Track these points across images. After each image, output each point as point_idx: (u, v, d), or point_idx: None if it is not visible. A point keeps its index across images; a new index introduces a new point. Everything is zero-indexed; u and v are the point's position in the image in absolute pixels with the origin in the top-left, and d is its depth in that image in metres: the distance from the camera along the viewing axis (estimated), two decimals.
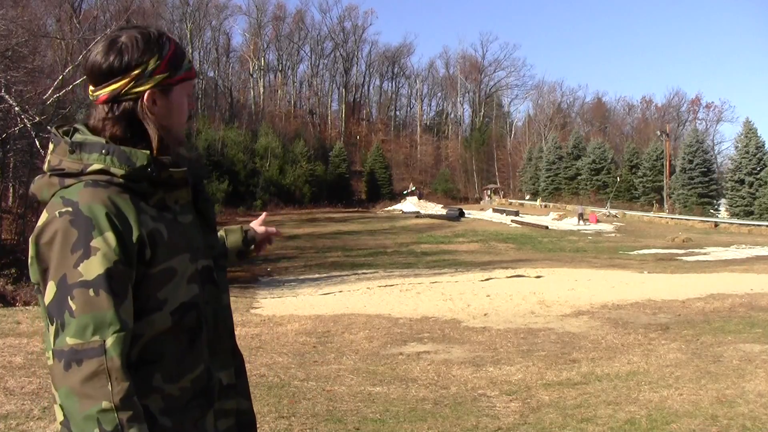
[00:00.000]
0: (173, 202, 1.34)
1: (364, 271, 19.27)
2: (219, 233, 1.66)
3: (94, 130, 1.32)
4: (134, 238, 1.22)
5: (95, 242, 1.18)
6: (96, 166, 1.24)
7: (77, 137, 1.29)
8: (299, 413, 4.60)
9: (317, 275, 18.01)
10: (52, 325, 1.18)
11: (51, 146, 1.31)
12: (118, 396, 1.14)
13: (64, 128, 1.33)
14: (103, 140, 1.28)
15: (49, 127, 15.95)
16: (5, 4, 16.28)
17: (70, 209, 1.20)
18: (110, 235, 1.19)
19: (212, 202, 1.51)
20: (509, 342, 7.85)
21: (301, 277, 17.94)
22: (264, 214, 1.96)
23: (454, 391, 5.51)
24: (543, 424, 4.45)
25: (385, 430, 4.38)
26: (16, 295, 11.15)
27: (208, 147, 52.69)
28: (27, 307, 10.11)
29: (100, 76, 1.29)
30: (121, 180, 1.25)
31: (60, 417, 1.21)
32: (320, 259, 23.10)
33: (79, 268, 1.17)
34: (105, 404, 1.13)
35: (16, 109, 14.56)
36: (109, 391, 1.14)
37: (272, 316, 10.29)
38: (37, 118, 15.32)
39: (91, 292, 1.16)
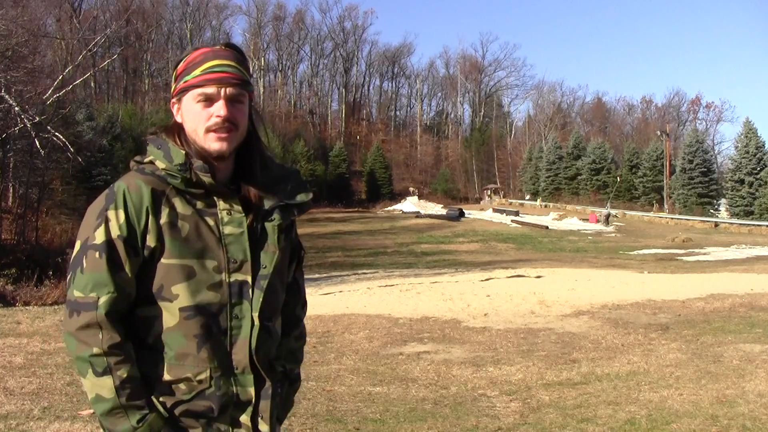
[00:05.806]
0: (224, 209, 1.43)
1: (364, 271, 19.25)
2: None
3: None
4: (141, 222, 1.37)
5: (109, 213, 1.37)
6: (149, 158, 1.44)
7: (150, 137, 1.48)
8: (299, 413, 4.60)
9: (317, 275, 17.98)
10: (69, 275, 1.39)
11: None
12: (107, 344, 1.34)
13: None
14: (161, 138, 1.45)
15: (49, 128, 15.97)
16: (5, 4, 16.26)
17: (111, 186, 1.42)
18: (121, 212, 1.37)
19: (290, 230, 1.54)
20: (509, 342, 7.85)
21: None
22: None
23: (454, 391, 5.51)
24: (543, 424, 4.45)
25: (385, 430, 4.37)
26: (16, 295, 11.12)
27: None
28: (27, 307, 10.09)
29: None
30: (162, 173, 1.41)
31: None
32: (320, 259, 23.08)
33: (95, 233, 1.37)
34: (95, 350, 1.34)
35: (16, 109, 14.54)
36: (99, 339, 1.34)
37: None
38: (37, 118, 15.32)
39: (97, 254, 1.36)
